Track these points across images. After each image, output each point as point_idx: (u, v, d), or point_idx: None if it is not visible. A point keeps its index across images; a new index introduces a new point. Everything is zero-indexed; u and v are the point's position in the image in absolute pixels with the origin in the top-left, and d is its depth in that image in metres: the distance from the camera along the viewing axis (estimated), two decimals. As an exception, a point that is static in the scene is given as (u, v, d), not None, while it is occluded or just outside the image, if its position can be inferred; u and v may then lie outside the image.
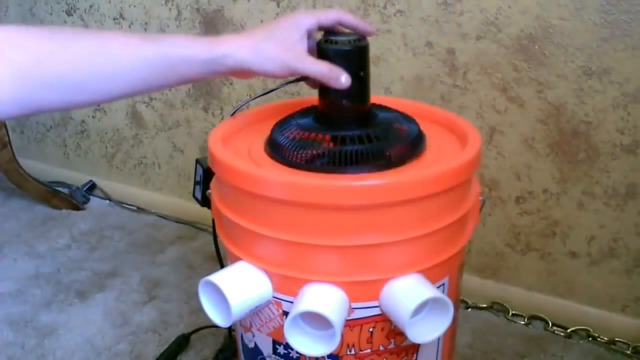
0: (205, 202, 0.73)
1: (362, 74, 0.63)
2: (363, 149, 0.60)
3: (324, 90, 0.64)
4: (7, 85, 0.52)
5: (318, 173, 0.60)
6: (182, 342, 1.05)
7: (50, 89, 0.54)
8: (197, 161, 0.77)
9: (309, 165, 0.61)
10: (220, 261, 0.83)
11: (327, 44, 0.62)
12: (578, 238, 1.04)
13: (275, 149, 0.64)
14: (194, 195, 0.78)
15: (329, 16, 0.63)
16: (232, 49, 0.59)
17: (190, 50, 0.58)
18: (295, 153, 0.61)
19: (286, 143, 0.63)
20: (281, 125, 0.66)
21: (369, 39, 0.64)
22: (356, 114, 0.65)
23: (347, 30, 0.65)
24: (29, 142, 1.77)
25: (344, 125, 0.63)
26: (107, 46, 0.56)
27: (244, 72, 0.61)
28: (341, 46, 0.61)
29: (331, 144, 0.61)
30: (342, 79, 0.61)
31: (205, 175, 0.74)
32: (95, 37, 0.57)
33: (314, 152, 0.61)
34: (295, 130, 0.64)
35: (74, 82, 0.55)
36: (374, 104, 0.68)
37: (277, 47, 0.59)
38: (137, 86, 0.58)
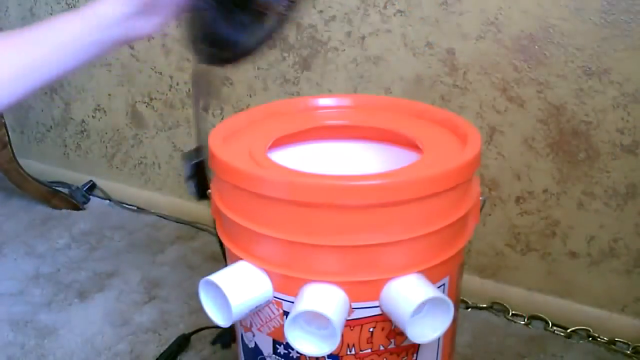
0: (202, 194, 0.72)
1: None
2: None
3: None
4: None
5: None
6: (183, 342, 1.05)
7: None
8: (184, 157, 0.74)
9: None
10: (226, 259, 0.83)
11: None
12: (578, 238, 1.04)
13: None
14: (190, 193, 0.76)
15: None
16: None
17: (78, 21, 0.59)
18: None
19: None
20: None
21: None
22: None
23: None
24: (29, 142, 1.77)
25: None
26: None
27: (138, 26, 0.61)
28: None
29: None
30: None
31: (196, 168, 0.73)
32: None
33: None
34: None
35: None
36: None
37: None
38: (65, 67, 0.59)
